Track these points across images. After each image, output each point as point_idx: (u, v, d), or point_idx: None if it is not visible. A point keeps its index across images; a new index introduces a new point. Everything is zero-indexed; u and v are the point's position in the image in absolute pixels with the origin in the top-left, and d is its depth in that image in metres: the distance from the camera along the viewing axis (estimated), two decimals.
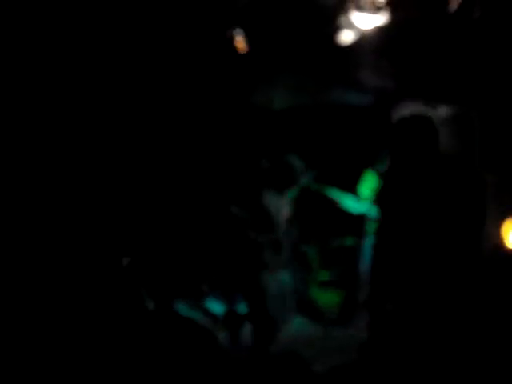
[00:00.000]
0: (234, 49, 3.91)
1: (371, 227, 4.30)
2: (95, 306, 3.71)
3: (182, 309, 4.36)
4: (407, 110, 4.99)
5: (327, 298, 3.85)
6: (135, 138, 4.50)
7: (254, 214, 4.11)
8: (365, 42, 4.46)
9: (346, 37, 4.21)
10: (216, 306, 4.36)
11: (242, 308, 4.26)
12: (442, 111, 5.03)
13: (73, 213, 4.09)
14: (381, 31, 4.26)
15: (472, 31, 4.45)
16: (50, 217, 3.99)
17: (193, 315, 4.25)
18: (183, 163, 4.76)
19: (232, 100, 4.64)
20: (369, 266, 4.11)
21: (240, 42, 3.85)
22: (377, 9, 3.84)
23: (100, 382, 2.93)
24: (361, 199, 4.24)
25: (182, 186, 4.72)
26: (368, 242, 4.16)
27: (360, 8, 3.87)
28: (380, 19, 3.97)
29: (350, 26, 4.13)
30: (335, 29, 4.17)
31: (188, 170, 4.74)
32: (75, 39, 3.99)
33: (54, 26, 3.88)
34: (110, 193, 4.40)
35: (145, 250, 4.36)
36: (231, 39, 3.84)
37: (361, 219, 4.26)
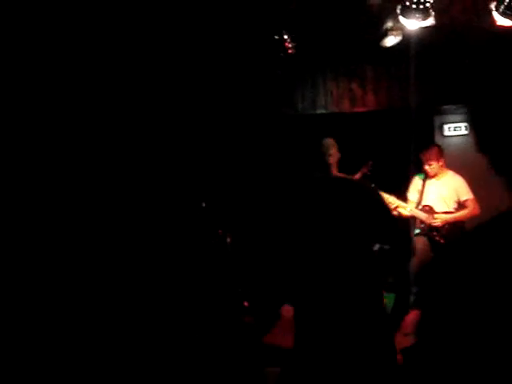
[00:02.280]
0: (281, 52, 3.90)
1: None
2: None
3: None
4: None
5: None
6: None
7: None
8: (409, 45, 4.46)
9: (391, 41, 4.21)
10: None
11: None
12: (484, 115, 5.02)
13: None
14: (425, 35, 4.24)
15: None
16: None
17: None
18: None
19: (275, 104, 4.64)
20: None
21: (288, 46, 3.84)
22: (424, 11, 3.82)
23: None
24: (410, 203, 4.21)
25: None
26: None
27: (407, 9, 3.85)
28: (426, 22, 3.95)
29: (395, 28, 4.12)
30: (380, 33, 4.17)
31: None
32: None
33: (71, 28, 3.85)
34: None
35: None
36: (280, 42, 3.84)
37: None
